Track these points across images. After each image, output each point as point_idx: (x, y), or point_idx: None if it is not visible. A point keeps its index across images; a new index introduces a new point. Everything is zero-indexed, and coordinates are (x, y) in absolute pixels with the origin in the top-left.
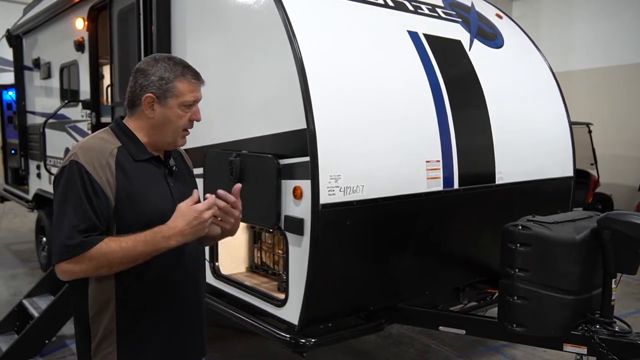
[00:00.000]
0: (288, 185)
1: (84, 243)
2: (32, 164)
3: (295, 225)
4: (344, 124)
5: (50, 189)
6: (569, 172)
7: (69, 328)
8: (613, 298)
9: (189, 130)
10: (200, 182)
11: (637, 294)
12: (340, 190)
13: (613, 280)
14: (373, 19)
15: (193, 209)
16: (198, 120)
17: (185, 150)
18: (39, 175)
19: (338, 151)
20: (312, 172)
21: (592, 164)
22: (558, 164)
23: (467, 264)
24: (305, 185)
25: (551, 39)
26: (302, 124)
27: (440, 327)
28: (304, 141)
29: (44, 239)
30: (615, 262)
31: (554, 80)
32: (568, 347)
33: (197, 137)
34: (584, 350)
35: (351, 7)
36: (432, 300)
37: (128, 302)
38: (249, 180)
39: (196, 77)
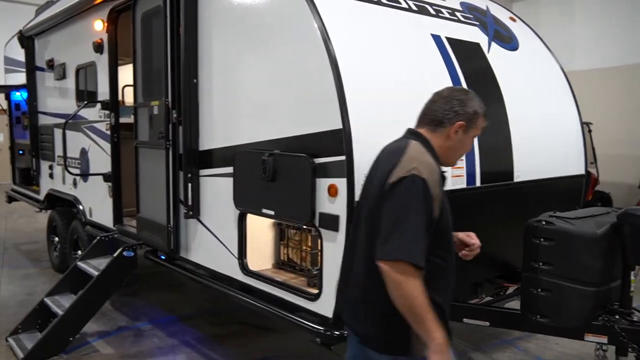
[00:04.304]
0: (323, 184)
1: (421, 260)
2: (44, 165)
3: (331, 221)
4: (375, 124)
5: (64, 189)
6: (581, 170)
7: (89, 326)
8: (632, 289)
9: None
10: (229, 181)
11: None
12: None
13: (632, 272)
14: (399, 22)
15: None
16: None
17: (216, 149)
18: (51, 176)
19: (371, 150)
20: (347, 170)
21: (592, 163)
22: (571, 163)
23: (487, 259)
24: (340, 183)
25: (550, 40)
26: (337, 124)
27: (465, 319)
28: (339, 141)
29: (56, 238)
30: (634, 255)
31: (565, 81)
32: (589, 337)
33: (228, 137)
34: (604, 339)
35: (378, 11)
36: (454, 295)
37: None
38: (283, 179)
39: None
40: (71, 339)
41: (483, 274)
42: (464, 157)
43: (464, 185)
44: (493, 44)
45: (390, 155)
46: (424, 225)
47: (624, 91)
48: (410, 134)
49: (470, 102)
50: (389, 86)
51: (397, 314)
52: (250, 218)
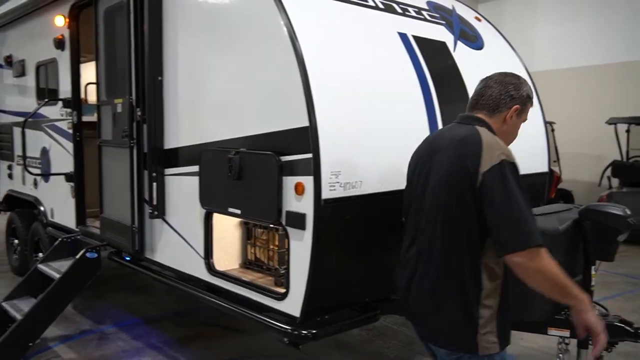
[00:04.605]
0: (289, 182)
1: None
2: (3, 165)
3: (297, 220)
4: (342, 121)
5: (24, 189)
6: (545, 168)
7: (50, 331)
8: (592, 284)
9: None
10: (195, 180)
11: (604, 282)
12: (340, 186)
13: (593, 267)
14: (366, 20)
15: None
16: None
17: (181, 148)
18: (10, 176)
19: (338, 148)
20: (314, 168)
21: (554, 161)
22: (535, 161)
23: None
24: (307, 181)
25: (514, 40)
26: (304, 122)
27: None
28: (305, 138)
29: (16, 241)
30: (595, 250)
31: (529, 80)
32: (552, 331)
33: (194, 135)
34: (567, 333)
35: (345, 8)
36: None
37: (506, 290)
38: (249, 178)
39: None
40: (31, 344)
41: None
42: None
43: None
44: (459, 42)
45: (460, 144)
46: (529, 205)
47: (585, 91)
48: (471, 119)
49: (524, 87)
50: (356, 84)
51: (465, 313)
52: (217, 217)
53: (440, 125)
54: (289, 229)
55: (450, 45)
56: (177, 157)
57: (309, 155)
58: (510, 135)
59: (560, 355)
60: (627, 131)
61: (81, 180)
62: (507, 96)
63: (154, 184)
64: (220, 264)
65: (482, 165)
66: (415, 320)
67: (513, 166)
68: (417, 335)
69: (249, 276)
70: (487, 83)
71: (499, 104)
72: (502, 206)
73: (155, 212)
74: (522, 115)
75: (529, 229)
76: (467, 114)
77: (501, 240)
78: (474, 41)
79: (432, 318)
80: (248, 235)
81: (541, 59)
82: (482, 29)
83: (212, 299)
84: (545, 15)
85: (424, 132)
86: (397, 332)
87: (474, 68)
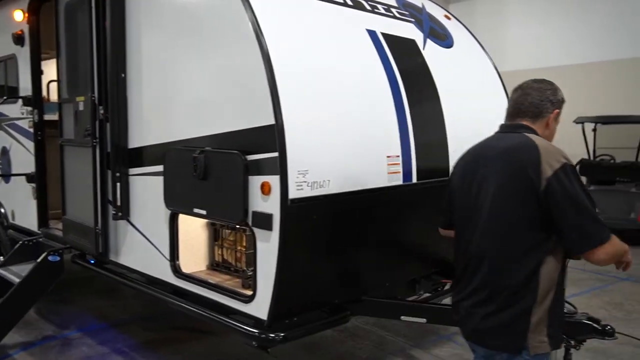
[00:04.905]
0: (255, 181)
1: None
2: None
3: (264, 220)
4: (310, 120)
5: None
6: None
7: (11, 337)
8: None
9: None
10: (160, 180)
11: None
12: (307, 185)
13: None
14: (334, 16)
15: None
16: None
17: (146, 147)
18: None
19: (305, 146)
20: (280, 167)
21: None
22: None
23: (423, 255)
24: (273, 180)
25: (485, 40)
26: (270, 120)
27: (402, 317)
28: (271, 137)
29: None
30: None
31: (499, 80)
32: None
33: (158, 134)
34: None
35: (312, 5)
36: (391, 292)
37: (559, 291)
38: (214, 177)
39: None
40: None
41: (420, 271)
42: (399, 153)
43: (400, 181)
44: (428, 40)
45: (515, 152)
46: (591, 200)
47: None
48: (517, 127)
49: (559, 91)
50: (323, 82)
51: (518, 316)
52: (183, 218)
53: (409, 124)
54: (256, 230)
55: (420, 43)
56: (142, 156)
57: (275, 154)
58: (550, 139)
59: None
60: (594, 130)
61: (43, 181)
62: (548, 101)
63: (118, 184)
64: (186, 266)
65: (544, 171)
66: (464, 322)
67: (573, 167)
68: (462, 336)
69: (216, 278)
70: (525, 91)
71: (541, 110)
72: (573, 207)
73: (119, 213)
74: (558, 119)
75: (600, 223)
76: (511, 123)
77: (577, 239)
78: (444, 39)
79: (483, 320)
80: (215, 237)
81: (511, 59)
82: (452, 27)
83: (178, 303)
84: (515, 16)
85: (393, 130)
86: (370, 333)
87: (443, 66)
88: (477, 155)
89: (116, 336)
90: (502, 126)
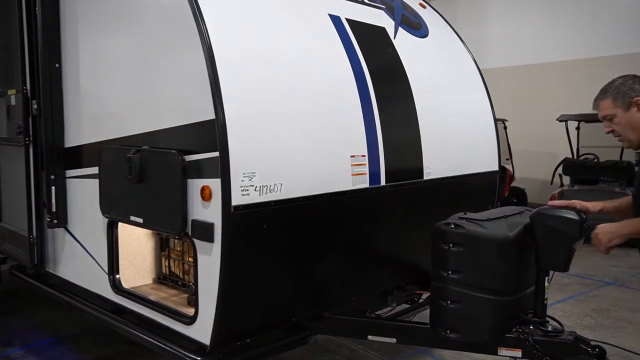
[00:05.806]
0: (195, 185)
1: None
2: None
3: (204, 230)
4: (259, 116)
5: None
6: (495, 167)
7: None
8: (546, 297)
9: None
10: (95, 182)
11: (558, 284)
12: (255, 190)
13: (546, 278)
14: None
15: None
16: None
17: (84, 146)
18: None
19: (252, 145)
20: (222, 169)
21: (507, 159)
22: (484, 159)
23: (395, 265)
24: (214, 184)
25: (466, 37)
26: (209, 115)
27: (369, 337)
28: (212, 134)
29: None
30: (548, 259)
31: (478, 74)
32: (503, 351)
33: (95, 131)
34: (518, 353)
35: None
36: (360, 306)
37: None
38: (150, 181)
39: None
40: None
41: (392, 281)
42: (365, 153)
43: (366, 184)
44: (400, 29)
45: None
46: None
47: (537, 89)
48: None
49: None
50: (276, 74)
51: None
52: (125, 226)
53: (377, 120)
54: (196, 242)
55: (391, 32)
56: (80, 156)
57: (216, 154)
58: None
59: None
60: (577, 128)
61: None
62: (630, 89)
63: (53, 187)
64: (129, 279)
65: None
66: None
67: None
68: None
69: (162, 293)
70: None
71: (627, 98)
72: None
73: (55, 221)
74: None
75: None
76: None
77: None
78: (418, 28)
79: None
80: (162, 247)
81: (493, 56)
82: (427, 16)
83: (115, 322)
84: (497, 12)
85: (359, 127)
86: (342, 347)
87: (416, 57)
88: None
89: (64, 352)
90: None
